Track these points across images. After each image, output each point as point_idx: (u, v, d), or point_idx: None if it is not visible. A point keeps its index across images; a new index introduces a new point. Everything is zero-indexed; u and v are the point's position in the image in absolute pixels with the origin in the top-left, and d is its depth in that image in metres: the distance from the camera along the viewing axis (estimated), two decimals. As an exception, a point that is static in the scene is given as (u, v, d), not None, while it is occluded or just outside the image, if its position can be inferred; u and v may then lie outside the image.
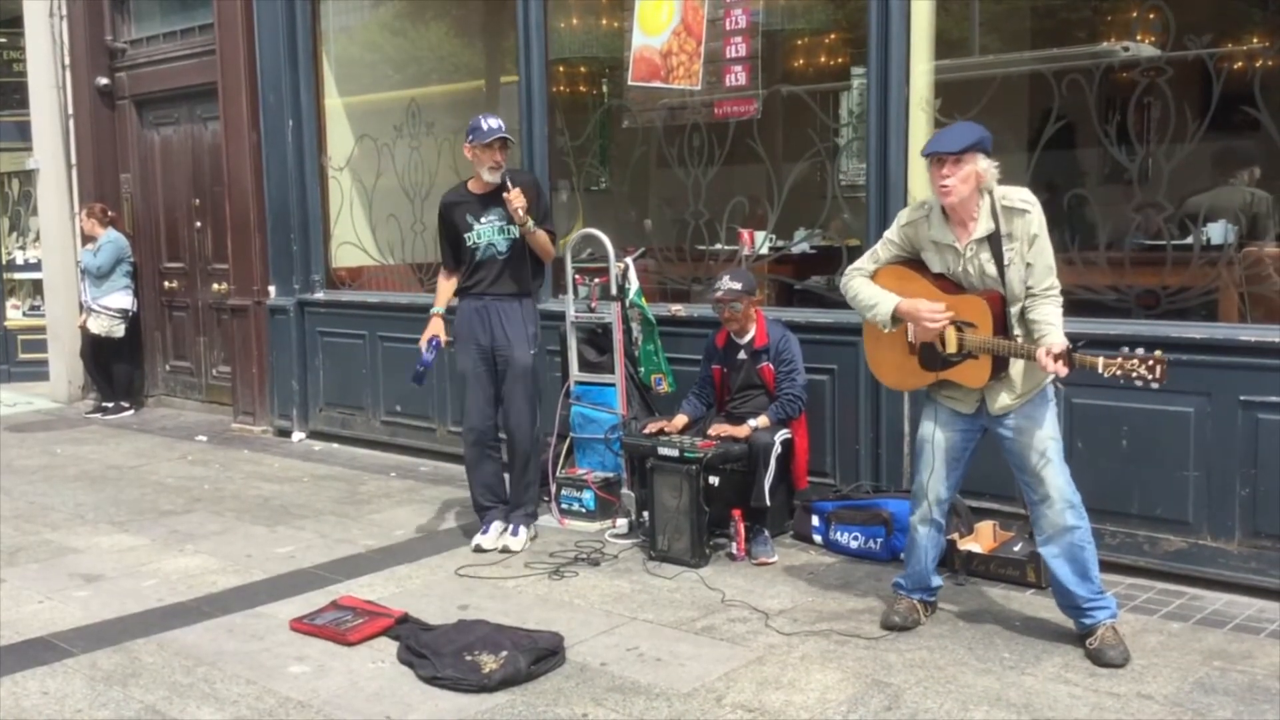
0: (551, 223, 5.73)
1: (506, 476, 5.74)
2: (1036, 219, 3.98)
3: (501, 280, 5.55)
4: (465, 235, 5.53)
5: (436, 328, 5.63)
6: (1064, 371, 3.82)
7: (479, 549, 5.54)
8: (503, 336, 5.54)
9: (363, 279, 8.49)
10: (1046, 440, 4.08)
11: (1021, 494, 4.33)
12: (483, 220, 5.51)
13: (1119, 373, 3.75)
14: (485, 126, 5.37)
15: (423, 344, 5.61)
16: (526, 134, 6.97)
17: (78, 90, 10.19)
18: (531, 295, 5.67)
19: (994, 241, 4.01)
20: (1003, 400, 4.11)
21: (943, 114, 5.41)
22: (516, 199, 5.34)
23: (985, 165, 3.97)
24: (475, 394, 5.60)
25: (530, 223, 5.40)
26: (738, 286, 5.41)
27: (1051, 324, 3.95)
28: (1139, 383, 3.73)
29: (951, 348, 4.11)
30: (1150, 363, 3.70)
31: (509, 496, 5.70)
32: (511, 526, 5.58)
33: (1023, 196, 4.01)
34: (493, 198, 5.47)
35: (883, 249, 4.31)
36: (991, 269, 4.03)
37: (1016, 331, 4.05)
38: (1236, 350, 4.61)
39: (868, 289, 4.28)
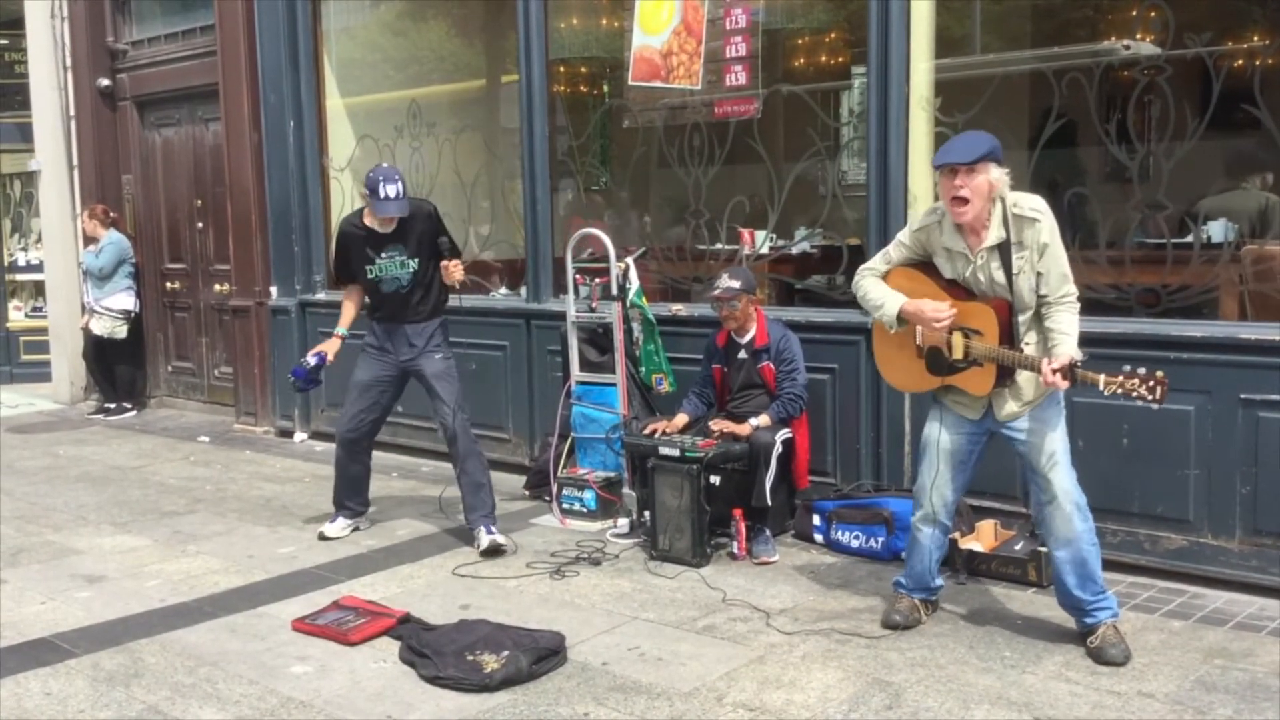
0: (457, 249, 5.81)
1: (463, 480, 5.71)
2: (1047, 227, 3.98)
3: (408, 309, 5.66)
4: (366, 268, 5.63)
5: (330, 346, 5.84)
6: (1064, 386, 3.84)
7: (324, 536, 5.82)
8: (412, 359, 5.67)
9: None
10: (1056, 442, 4.08)
11: (1028, 493, 4.34)
12: (383, 255, 5.60)
13: (1120, 391, 3.76)
14: (383, 195, 5.42)
15: (309, 355, 5.81)
16: (527, 134, 6.98)
17: (79, 91, 10.21)
18: (441, 316, 5.78)
19: (1004, 250, 4.00)
20: (1010, 408, 4.11)
21: (943, 113, 5.41)
22: (456, 272, 5.54)
23: (998, 175, 3.95)
24: (356, 403, 5.77)
25: (458, 282, 5.59)
26: (736, 285, 5.42)
27: (1065, 334, 3.94)
28: (1139, 402, 3.74)
29: (958, 354, 4.11)
30: (1151, 383, 3.70)
31: (468, 498, 5.63)
32: (485, 527, 5.55)
33: (1034, 205, 4.00)
34: (392, 234, 5.57)
35: (895, 250, 4.31)
36: (1001, 277, 4.02)
37: (1027, 339, 4.05)
38: (1236, 349, 4.61)
39: (877, 288, 4.29)
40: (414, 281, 5.62)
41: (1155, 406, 3.76)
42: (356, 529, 5.96)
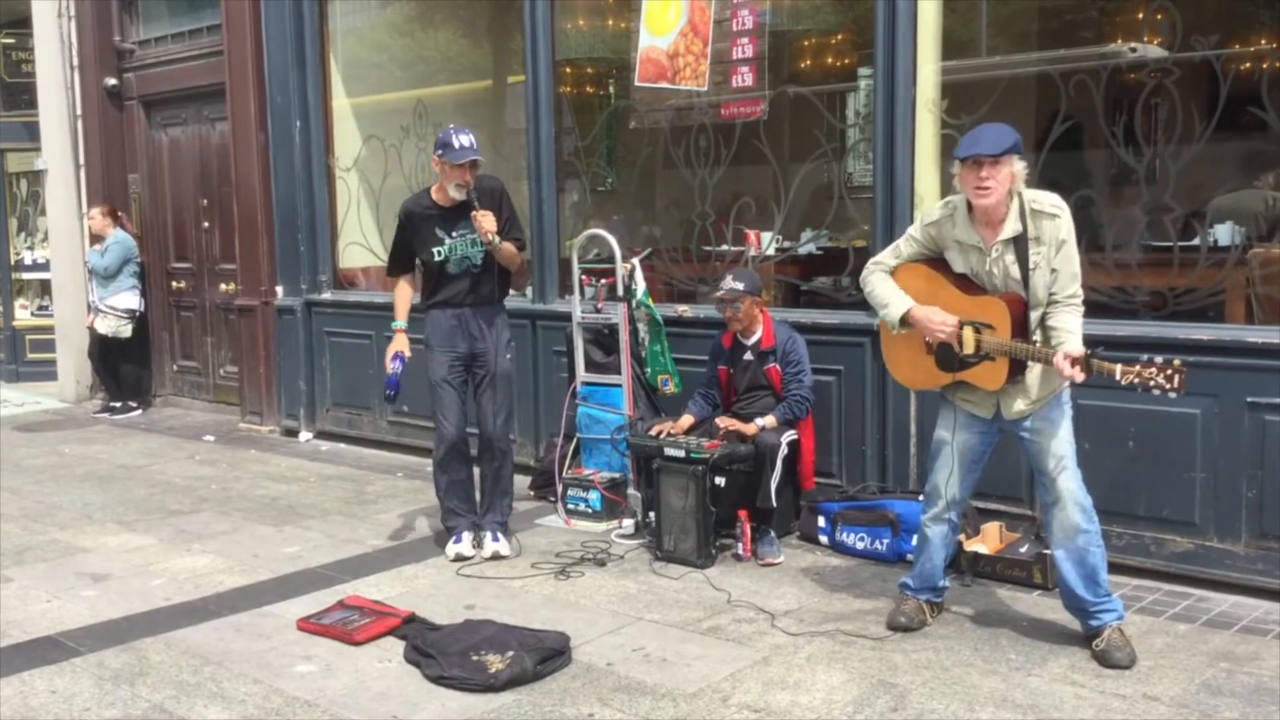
0: (519, 229, 5.61)
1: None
2: (1065, 224, 3.98)
3: (477, 290, 5.45)
4: (435, 249, 5.41)
5: (402, 344, 5.51)
6: (1081, 377, 3.82)
7: (460, 556, 5.42)
8: (480, 343, 5.48)
9: (369, 279, 8.51)
10: (1063, 444, 4.08)
11: (1030, 495, 4.34)
12: (454, 234, 5.39)
13: (1136, 381, 3.73)
14: (457, 144, 5.22)
15: (388, 363, 5.49)
16: (533, 134, 6.98)
17: (86, 91, 10.23)
18: (503, 301, 5.60)
19: (1020, 244, 4.00)
20: (1018, 406, 4.10)
21: (949, 115, 5.41)
22: (485, 221, 5.26)
23: (1020, 167, 3.97)
24: (448, 404, 5.46)
25: (497, 240, 5.31)
26: (740, 286, 5.42)
27: (1070, 332, 3.93)
28: (1156, 391, 3.71)
29: (969, 349, 4.09)
30: (1169, 371, 3.68)
31: (486, 502, 5.62)
32: (492, 533, 5.51)
33: (1053, 201, 4.01)
34: (462, 210, 5.36)
35: (905, 245, 4.30)
36: (1016, 271, 4.02)
37: (1035, 336, 4.05)
38: (1243, 352, 4.60)
39: (884, 287, 4.28)
40: (486, 260, 5.41)
41: (1174, 396, 3.73)
42: (480, 543, 5.52)
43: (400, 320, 5.58)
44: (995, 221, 4.03)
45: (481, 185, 5.40)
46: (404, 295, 5.62)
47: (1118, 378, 3.76)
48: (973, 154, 3.94)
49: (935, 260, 4.23)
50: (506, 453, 5.60)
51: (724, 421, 5.41)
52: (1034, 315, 4.03)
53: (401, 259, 5.60)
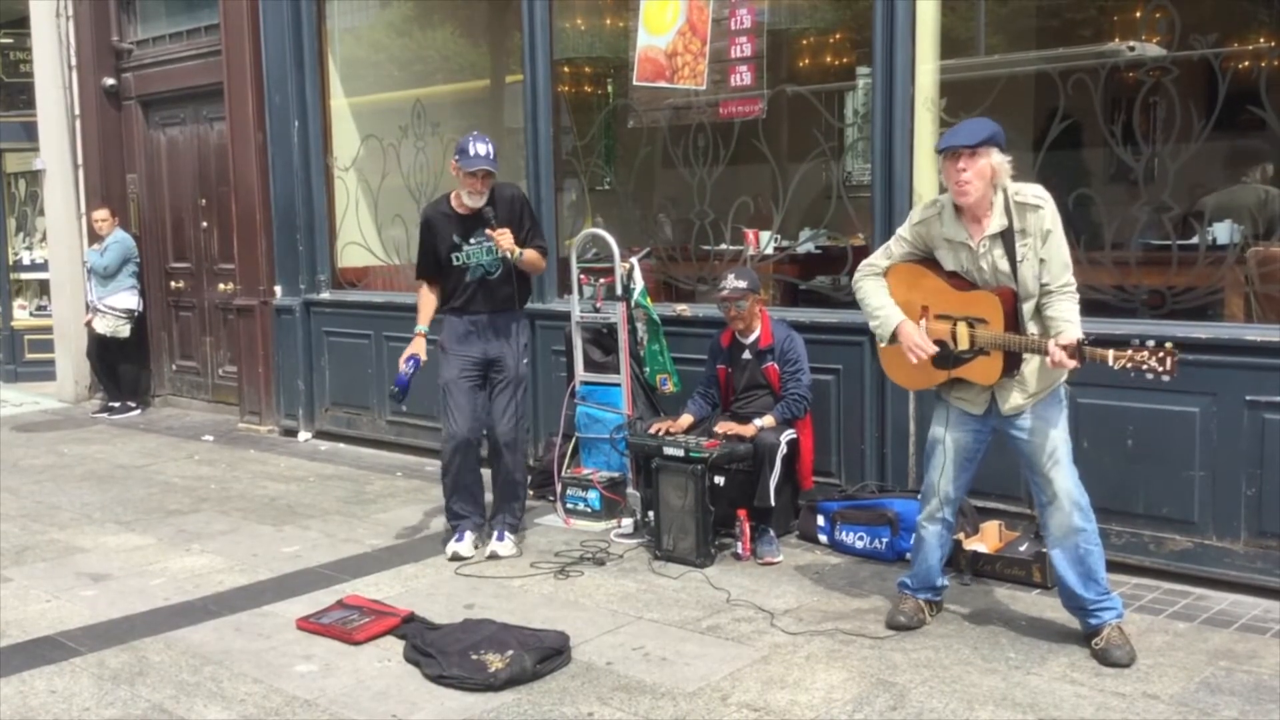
0: (541, 235, 5.61)
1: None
2: (1049, 214, 3.99)
3: (493, 298, 5.47)
4: (453, 255, 5.42)
5: (418, 347, 5.50)
6: (1074, 364, 3.82)
7: (457, 556, 5.43)
8: (496, 348, 5.48)
9: (368, 279, 8.52)
10: (1058, 441, 4.08)
11: (1029, 494, 4.33)
12: (471, 241, 5.40)
13: (1129, 365, 3.74)
14: (472, 152, 5.23)
15: (402, 363, 5.47)
16: (532, 134, 6.98)
17: (84, 91, 10.22)
18: (521, 308, 5.61)
19: (1007, 238, 4.01)
20: (1015, 400, 4.11)
21: (948, 113, 5.41)
22: (503, 240, 5.27)
23: (1000, 160, 3.97)
24: (459, 403, 5.45)
25: (518, 254, 5.33)
26: (742, 285, 5.42)
27: (1068, 320, 3.94)
28: (1149, 375, 3.72)
29: (963, 344, 4.10)
30: (1161, 355, 3.69)
31: (495, 503, 5.64)
32: (497, 532, 5.52)
33: (1035, 192, 4.02)
34: (479, 218, 5.36)
35: (896, 245, 4.31)
36: (1004, 265, 4.02)
37: (1031, 328, 4.05)
38: (1242, 350, 4.61)
39: (876, 296, 4.29)
40: (501, 268, 5.41)
41: (1166, 379, 3.73)
42: (481, 543, 5.56)
43: (421, 325, 5.58)
44: (981, 216, 4.04)
45: (500, 194, 5.41)
46: (427, 300, 5.60)
47: (1110, 363, 3.77)
48: (950, 145, 3.96)
49: (926, 259, 4.24)
50: (519, 457, 5.61)
51: (722, 427, 5.41)
52: (1026, 307, 4.04)
53: (429, 263, 5.57)
